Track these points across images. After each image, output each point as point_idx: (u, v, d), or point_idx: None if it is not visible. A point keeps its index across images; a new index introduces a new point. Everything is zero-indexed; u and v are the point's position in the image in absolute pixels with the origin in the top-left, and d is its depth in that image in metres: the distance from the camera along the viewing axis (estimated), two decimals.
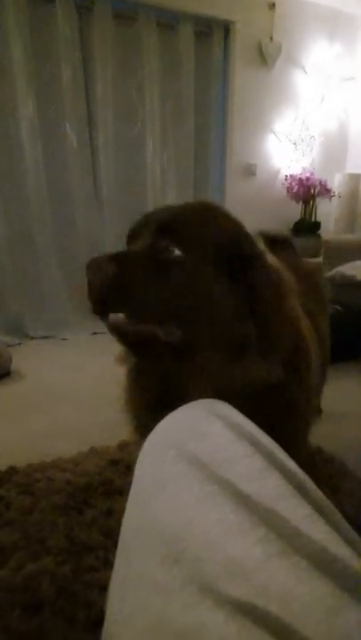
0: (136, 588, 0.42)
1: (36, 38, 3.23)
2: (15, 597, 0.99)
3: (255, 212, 4.09)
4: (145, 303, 0.77)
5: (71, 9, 3.25)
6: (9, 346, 3.07)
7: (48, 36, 3.27)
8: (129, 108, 3.63)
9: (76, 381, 2.51)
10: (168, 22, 3.59)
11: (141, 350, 0.84)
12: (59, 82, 3.34)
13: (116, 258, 0.77)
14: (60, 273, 3.54)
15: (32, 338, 3.46)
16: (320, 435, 1.33)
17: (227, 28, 3.82)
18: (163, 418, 0.62)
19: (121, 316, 0.77)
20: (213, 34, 3.78)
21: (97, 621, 0.93)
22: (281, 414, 0.88)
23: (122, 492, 1.42)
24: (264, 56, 3.92)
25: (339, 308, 2.87)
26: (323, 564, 0.38)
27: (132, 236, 0.87)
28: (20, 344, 3.33)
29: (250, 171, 4.11)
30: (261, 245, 0.90)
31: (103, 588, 1.00)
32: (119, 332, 0.78)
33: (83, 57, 3.38)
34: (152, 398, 0.90)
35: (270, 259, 0.90)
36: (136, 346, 0.82)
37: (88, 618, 0.95)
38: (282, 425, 0.84)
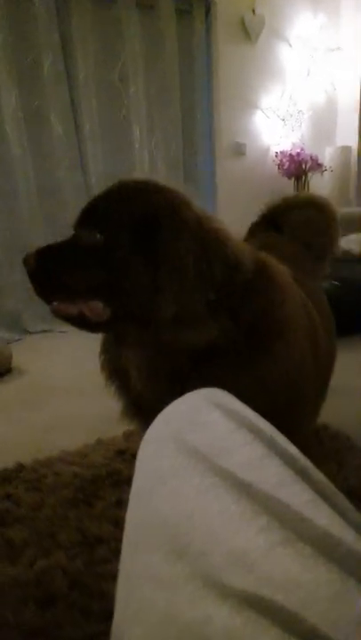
0: (141, 584, 0.42)
1: (13, 27, 3.17)
2: (28, 593, 0.99)
3: (247, 192, 4.06)
4: (68, 287, 0.87)
5: None
6: (9, 342, 3.07)
7: (26, 24, 3.21)
8: (113, 93, 3.58)
9: (77, 373, 2.51)
10: (147, 2, 3.52)
11: (84, 328, 0.92)
12: (40, 71, 3.29)
13: (38, 251, 0.89)
14: None
15: (31, 333, 3.45)
16: (324, 409, 1.33)
17: (207, 5, 3.75)
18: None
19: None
20: (194, 11, 3.71)
21: (112, 612, 0.94)
22: (258, 388, 0.88)
23: (130, 481, 1.42)
24: (247, 30, 3.85)
25: (337, 283, 2.85)
26: (327, 549, 0.38)
27: (74, 227, 0.93)
28: (19, 340, 3.33)
29: (239, 150, 4.07)
30: (191, 213, 0.89)
31: (116, 578, 1.01)
32: (56, 315, 0.90)
33: (62, 43, 3.32)
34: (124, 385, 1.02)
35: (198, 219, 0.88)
36: (78, 325, 0.91)
37: (103, 609, 0.95)
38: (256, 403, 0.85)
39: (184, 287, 0.82)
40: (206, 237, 0.86)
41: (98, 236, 0.86)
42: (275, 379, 0.90)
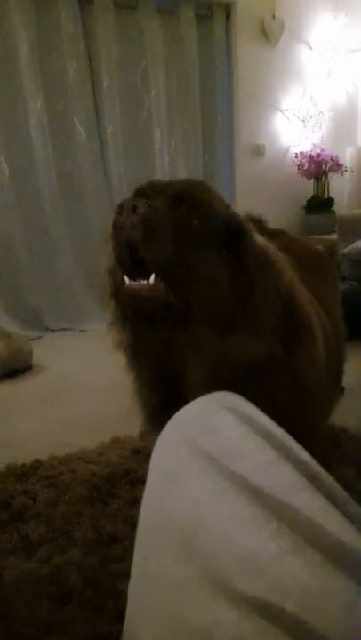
0: (153, 584, 0.42)
1: (40, 34, 3.24)
2: (43, 589, 1.01)
3: (266, 193, 4.04)
4: (169, 260, 0.81)
5: (73, 2, 3.25)
6: (30, 340, 3.10)
7: (52, 31, 3.29)
8: (135, 97, 3.62)
9: (96, 372, 2.52)
10: (168, 8, 3.56)
11: (146, 317, 0.88)
12: (65, 76, 3.35)
13: (147, 200, 0.81)
14: (76, 264, 3.56)
15: (52, 330, 3.49)
16: (343, 412, 1.31)
17: (227, 9, 3.76)
18: (171, 405, 0.64)
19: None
20: (214, 15, 3.73)
21: (125, 612, 0.95)
22: (288, 392, 0.91)
23: (145, 481, 1.43)
24: (267, 34, 3.84)
25: (355, 284, 2.83)
26: (337, 557, 0.38)
27: (141, 195, 0.91)
28: (40, 337, 3.36)
29: (258, 151, 4.06)
30: (249, 224, 0.95)
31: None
32: (132, 295, 0.83)
33: (87, 49, 3.38)
34: (158, 384, 0.97)
35: (257, 236, 0.95)
36: (143, 312, 0.87)
37: (116, 607, 0.96)
38: (291, 405, 0.88)
39: (268, 300, 0.88)
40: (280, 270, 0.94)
41: (194, 220, 0.85)
42: (307, 381, 0.96)
